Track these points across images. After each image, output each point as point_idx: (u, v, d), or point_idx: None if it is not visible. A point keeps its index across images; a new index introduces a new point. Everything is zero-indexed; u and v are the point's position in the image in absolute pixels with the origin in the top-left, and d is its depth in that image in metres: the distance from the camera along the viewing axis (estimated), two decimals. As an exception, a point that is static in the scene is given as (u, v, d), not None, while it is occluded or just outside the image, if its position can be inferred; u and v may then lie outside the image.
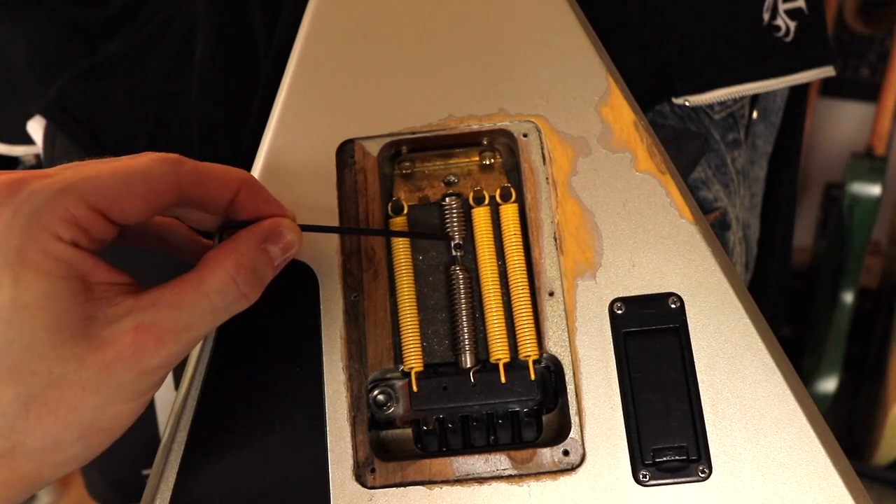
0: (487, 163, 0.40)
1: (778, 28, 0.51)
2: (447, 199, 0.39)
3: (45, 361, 0.26)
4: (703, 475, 0.34)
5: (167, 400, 0.53)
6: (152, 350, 0.28)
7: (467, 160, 0.40)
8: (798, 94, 0.63)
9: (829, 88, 1.37)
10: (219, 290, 0.29)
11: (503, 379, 0.35)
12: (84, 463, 0.29)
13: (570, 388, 0.35)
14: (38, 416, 0.27)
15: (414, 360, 0.36)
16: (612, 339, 0.35)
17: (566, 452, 0.34)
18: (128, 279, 0.29)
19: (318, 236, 0.37)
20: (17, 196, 0.27)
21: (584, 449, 0.34)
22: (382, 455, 0.35)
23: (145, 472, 0.50)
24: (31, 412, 0.27)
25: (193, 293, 0.29)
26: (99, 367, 0.27)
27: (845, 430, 1.33)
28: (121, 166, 0.29)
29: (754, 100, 0.57)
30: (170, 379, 0.53)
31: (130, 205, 0.28)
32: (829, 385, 1.20)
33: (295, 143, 0.39)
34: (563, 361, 0.35)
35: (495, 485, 0.34)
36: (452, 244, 0.38)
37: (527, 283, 0.37)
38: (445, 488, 0.34)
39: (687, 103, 0.48)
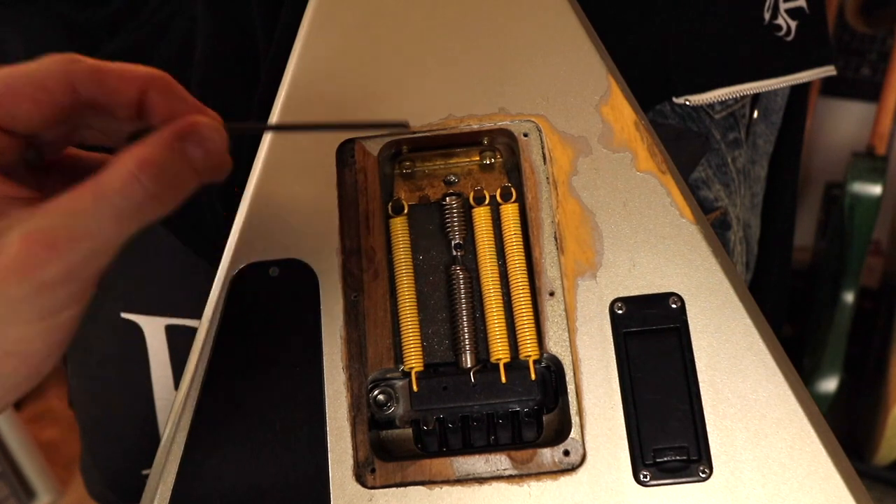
0: (488, 162, 0.40)
1: (779, 27, 0.51)
2: (447, 199, 0.39)
3: None
4: (703, 475, 0.34)
5: (167, 400, 0.54)
6: (44, 259, 0.24)
7: (468, 160, 0.40)
8: (799, 94, 0.63)
9: (829, 88, 1.37)
10: (120, 189, 0.25)
11: (503, 379, 0.35)
12: (9, 398, 0.26)
13: (571, 387, 0.35)
14: None
15: (414, 360, 0.36)
16: (612, 339, 0.35)
17: (566, 452, 0.34)
18: (28, 193, 0.26)
19: (319, 236, 0.37)
20: None
21: (584, 449, 0.34)
22: (382, 455, 0.35)
23: (145, 472, 0.50)
24: None
25: (91, 196, 0.25)
26: None
27: (846, 430, 1.33)
28: (6, 68, 0.26)
29: (755, 99, 0.57)
30: (170, 379, 0.53)
31: (16, 105, 0.26)
32: (829, 385, 1.20)
33: (295, 142, 0.39)
34: (563, 361, 0.35)
35: (495, 485, 0.34)
36: (453, 244, 0.38)
37: (527, 283, 0.36)
38: (445, 488, 0.34)
39: (688, 103, 0.48)
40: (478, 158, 0.40)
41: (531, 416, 0.36)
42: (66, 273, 0.25)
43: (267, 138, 0.39)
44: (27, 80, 0.26)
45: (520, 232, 0.37)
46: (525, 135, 0.39)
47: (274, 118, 0.39)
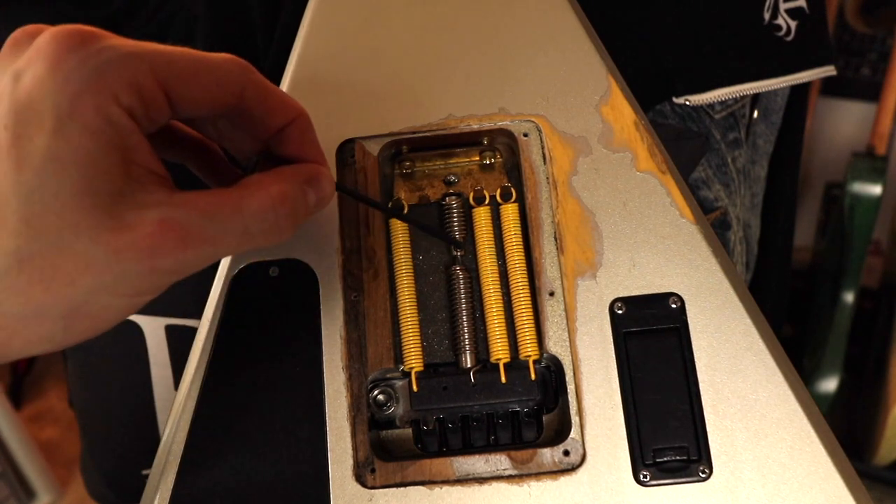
0: (488, 162, 0.40)
1: (779, 27, 0.51)
2: (447, 199, 0.39)
3: (58, 222, 0.24)
4: (703, 475, 0.34)
5: (167, 400, 0.54)
6: (170, 248, 0.26)
7: (467, 160, 0.40)
8: (799, 94, 0.63)
9: (829, 88, 1.37)
10: (257, 213, 0.28)
11: (503, 379, 0.35)
12: (57, 348, 0.27)
13: (571, 388, 0.35)
14: (30, 279, 0.25)
15: (414, 360, 0.36)
16: (612, 339, 0.35)
17: (566, 452, 0.34)
18: (166, 173, 0.27)
19: (319, 236, 0.37)
20: (87, 47, 0.25)
21: (584, 449, 0.34)
22: (382, 455, 0.35)
23: (145, 472, 0.50)
24: (23, 272, 0.25)
25: (230, 208, 0.27)
26: (111, 249, 0.25)
27: (846, 431, 1.33)
28: (195, 52, 0.27)
29: (755, 99, 0.57)
30: (170, 379, 0.53)
31: (196, 89, 0.27)
32: (829, 385, 1.20)
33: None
34: (563, 361, 0.35)
35: (495, 485, 0.34)
36: (453, 243, 0.38)
37: (527, 283, 0.36)
38: (445, 488, 0.34)
39: (688, 103, 0.48)
40: (478, 158, 0.40)
41: (531, 416, 0.36)
42: (178, 267, 0.26)
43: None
44: (212, 70, 0.27)
45: (520, 232, 0.37)
46: (525, 135, 0.39)
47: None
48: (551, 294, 0.36)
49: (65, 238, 0.25)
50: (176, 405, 0.36)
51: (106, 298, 0.26)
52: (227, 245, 0.28)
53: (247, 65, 0.29)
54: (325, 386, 0.35)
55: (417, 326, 0.36)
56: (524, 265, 0.37)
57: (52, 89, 0.25)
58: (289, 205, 0.29)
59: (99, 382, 0.57)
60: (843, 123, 1.42)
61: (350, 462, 0.34)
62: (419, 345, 0.36)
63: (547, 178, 0.38)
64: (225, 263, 0.37)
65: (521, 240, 0.37)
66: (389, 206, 0.39)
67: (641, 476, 0.34)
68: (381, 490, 0.34)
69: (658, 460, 0.34)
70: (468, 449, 0.36)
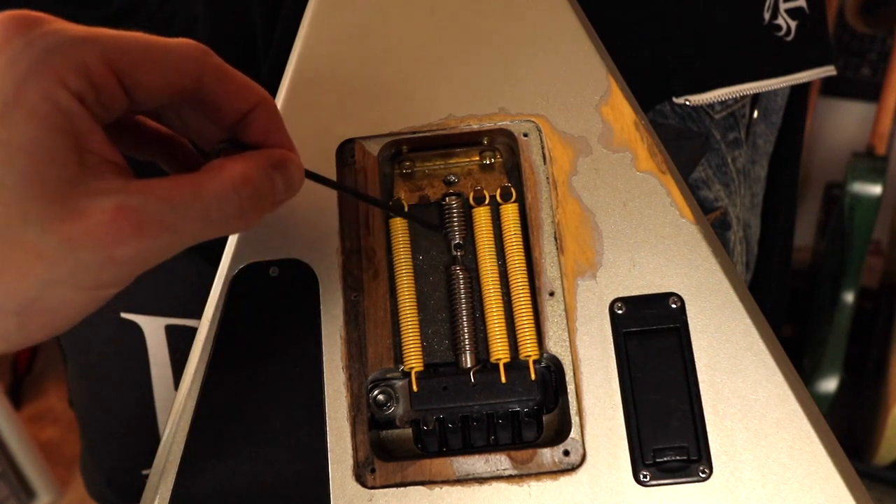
0: (488, 162, 0.40)
1: (779, 27, 0.51)
2: (447, 199, 0.39)
3: (6, 213, 0.23)
4: (703, 475, 0.34)
5: (167, 400, 0.54)
6: (127, 237, 0.24)
7: (467, 160, 0.40)
8: (799, 94, 0.63)
9: (829, 88, 1.37)
10: (218, 197, 0.26)
11: (503, 379, 0.35)
12: (14, 347, 0.26)
13: (571, 388, 0.35)
14: None
15: (414, 360, 0.36)
16: (612, 339, 0.35)
17: (566, 452, 0.34)
18: (123, 162, 0.26)
19: (319, 236, 0.37)
20: (33, 30, 0.24)
21: (584, 449, 0.34)
22: (382, 455, 0.35)
23: (145, 472, 0.50)
24: None
25: (189, 192, 0.26)
26: (63, 238, 0.24)
27: (846, 430, 1.33)
28: (150, 36, 0.27)
29: (755, 99, 0.57)
30: (170, 379, 0.53)
31: (148, 73, 0.26)
32: (829, 385, 1.20)
33: (295, 142, 0.39)
34: (563, 361, 0.35)
35: (495, 485, 0.34)
36: (453, 244, 0.38)
37: (527, 283, 0.36)
38: (445, 488, 0.34)
39: (688, 103, 0.48)
40: (478, 158, 0.40)
41: (531, 416, 0.36)
42: (138, 256, 0.25)
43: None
44: (163, 54, 0.27)
45: (520, 232, 0.37)
46: (525, 135, 0.39)
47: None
48: (551, 294, 0.36)
49: (13, 229, 0.24)
50: (176, 405, 0.36)
51: (63, 292, 0.25)
52: (189, 232, 0.26)
53: (205, 48, 0.28)
54: (325, 386, 0.35)
55: (417, 326, 0.36)
56: (524, 265, 0.37)
57: None
58: (251, 187, 0.27)
59: (99, 382, 0.57)
60: (843, 123, 1.42)
61: (350, 462, 0.34)
62: (419, 345, 0.36)
63: (547, 178, 0.38)
64: (225, 263, 0.37)
65: (521, 240, 0.37)
66: (389, 205, 0.39)
67: (641, 476, 0.34)
68: (381, 490, 0.34)
69: (658, 460, 0.34)
70: (468, 449, 0.36)
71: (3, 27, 0.24)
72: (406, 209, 0.39)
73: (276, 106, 0.31)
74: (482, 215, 0.38)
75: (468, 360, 0.36)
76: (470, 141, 0.39)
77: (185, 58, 0.27)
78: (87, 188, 0.24)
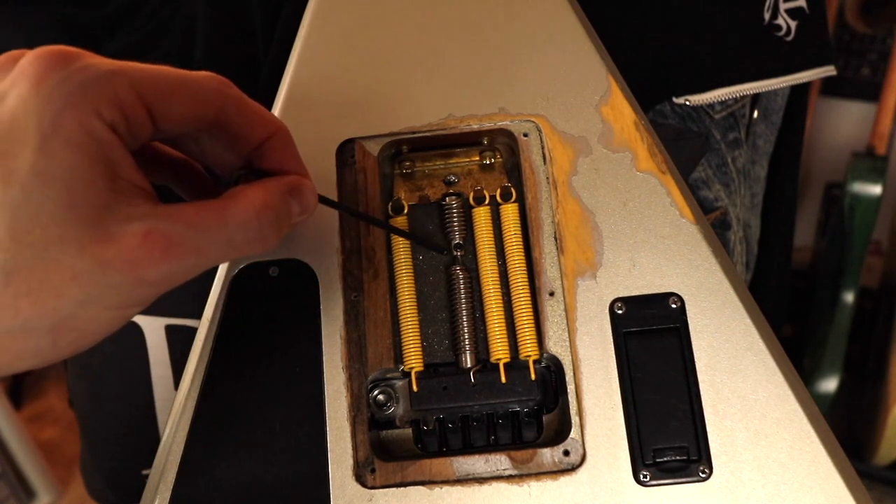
0: (488, 162, 0.40)
1: (779, 27, 0.51)
2: (447, 199, 0.39)
3: (44, 236, 0.25)
4: (703, 475, 0.34)
5: (167, 400, 0.54)
6: (156, 259, 0.26)
7: (467, 160, 0.40)
8: (799, 94, 0.63)
9: (829, 88, 1.37)
10: (240, 223, 0.28)
11: (503, 379, 0.35)
12: (45, 363, 0.28)
13: (571, 388, 0.35)
14: (16, 293, 0.25)
15: (414, 360, 0.36)
16: (612, 339, 0.35)
17: (566, 452, 0.34)
18: (150, 188, 0.28)
19: (319, 236, 0.37)
20: (69, 65, 0.26)
21: (584, 449, 0.34)
22: (382, 455, 0.35)
23: (145, 472, 0.50)
24: (10, 285, 0.25)
25: (214, 218, 0.28)
26: (96, 261, 0.25)
27: (846, 430, 1.33)
28: (173, 69, 0.28)
29: (755, 99, 0.57)
30: (170, 379, 0.53)
31: (176, 104, 0.28)
32: (829, 385, 1.20)
33: (295, 142, 0.39)
34: (563, 361, 0.35)
35: (495, 485, 0.34)
36: (453, 244, 0.38)
37: (527, 283, 0.36)
38: (445, 488, 0.34)
39: (688, 103, 0.48)
40: (478, 158, 0.40)
41: (531, 416, 0.36)
42: (165, 278, 0.27)
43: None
44: (188, 86, 0.28)
45: (520, 232, 0.37)
46: (525, 135, 0.39)
47: (274, 118, 0.39)
48: (551, 294, 0.36)
49: (51, 251, 0.25)
50: (176, 405, 0.36)
51: (93, 311, 0.27)
52: (213, 255, 0.28)
53: (226, 81, 0.30)
54: (325, 386, 0.35)
55: (417, 326, 0.36)
56: (524, 265, 0.37)
57: (35, 107, 0.25)
58: (271, 214, 0.29)
59: (99, 382, 0.57)
60: (843, 123, 1.42)
61: (350, 462, 0.34)
62: (419, 345, 0.36)
63: (547, 178, 0.38)
64: (225, 263, 0.37)
65: (521, 240, 0.37)
66: (389, 206, 0.39)
67: (641, 476, 0.34)
68: (381, 490, 0.34)
69: (658, 460, 0.34)
70: (468, 449, 0.36)
71: (40, 63, 0.26)
72: (407, 210, 0.39)
73: (290, 134, 0.32)
74: (482, 215, 0.38)
75: (468, 360, 0.36)
76: (470, 141, 0.39)
77: (208, 90, 0.29)
78: (120, 213, 0.26)
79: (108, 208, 0.26)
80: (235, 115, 0.30)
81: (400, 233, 0.38)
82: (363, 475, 0.34)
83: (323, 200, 0.34)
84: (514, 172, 0.39)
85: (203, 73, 0.29)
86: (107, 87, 0.26)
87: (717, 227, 0.53)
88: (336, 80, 0.40)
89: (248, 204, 0.29)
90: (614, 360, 0.35)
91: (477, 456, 0.35)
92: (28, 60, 0.26)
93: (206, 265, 0.28)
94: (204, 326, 0.36)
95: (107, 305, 0.27)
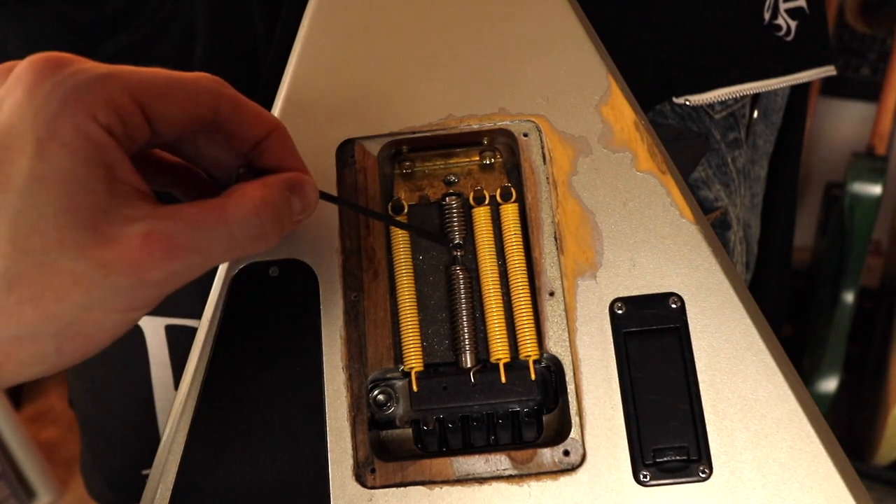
0: (488, 162, 0.40)
1: (779, 27, 0.51)
2: (447, 199, 0.39)
3: (44, 241, 0.25)
4: (703, 475, 0.34)
5: (167, 400, 0.54)
6: (158, 260, 0.26)
7: (467, 160, 0.40)
8: (799, 94, 0.63)
9: (829, 88, 1.37)
10: (241, 220, 0.28)
11: (503, 379, 0.35)
12: (50, 370, 0.27)
13: (571, 388, 0.35)
14: (19, 299, 0.25)
15: (414, 360, 0.36)
16: (612, 339, 0.35)
17: (566, 452, 0.34)
18: (149, 190, 0.28)
19: (319, 236, 0.37)
20: (62, 70, 0.26)
21: (584, 449, 0.34)
22: (382, 455, 0.35)
23: (145, 472, 0.50)
24: (12, 292, 0.25)
25: (214, 217, 0.28)
26: (97, 263, 0.25)
27: (846, 430, 1.33)
28: (167, 71, 0.28)
29: (755, 99, 0.57)
30: (170, 379, 0.53)
31: (171, 106, 0.28)
32: (829, 385, 1.20)
33: (295, 142, 0.39)
34: (563, 361, 0.35)
35: (495, 485, 0.34)
36: (453, 244, 0.38)
37: (527, 283, 0.36)
38: (445, 488, 0.34)
39: (688, 103, 0.48)
40: (478, 158, 0.40)
41: (531, 416, 0.36)
42: (167, 278, 0.27)
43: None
44: (182, 87, 0.28)
45: (520, 232, 0.37)
46: (525, 135, 0.39)
47: (274, 118, 0.39)
48: (551, 294, 0.36)
49: (51, 256, 0.25)
50: (176, 405, 0.36)
51: (97, 314, 0.26)
52: (215, 253, 0.28)
53: (220, 81, 0.30)
54: (325, 386, 0.35)
55: (417, 326, 0.36)
56: (524, 265, 0.37)
57: (30, 113, 0.25)
58: (272, 210, 0.29)
59: (99, 382, 0.57)
60: (843, 123, 1.42)
61: (350, 462, 0.34)
62: (419, 345, 0.36)
63: (547, 178, 0.38)
64: (225, 263, 0.37)
65: (521, 240, 0.37)
66: (389, 206, 0.39)
67: (641, 476, 0.34)
68: (381, 490, 0.34)
69: (658, 460, 0.34)
70: (468, 449, 0.36)
71: (34, 70, 0.26)
72: (407, 210, 0.39)
73: (287, 131, 0.32)
74: (482, 215, 0.38)
75: (468, 360, 0.36)
76: (470, 141, 0.39)
77: (202, 90, 0.29)
78: (119, 215, 0.26)
79: (107, 211, 0.26)
80: (231, 114, 0.30)
81: (402, 226, 0.38)
82: (363, 475, 0.34)
83: (324, 196, 0.34)
84: (514, 172, 0.39)
85: (198, 73, 0.29)
86: (101, 91, 0.26)
87: (717, 227, 0.53)
88: (336, 80, 0.40)
89: (248, 201, 0.28)
90: (614, 360, 0.35)
91: (477, 456, 0.35)
92: (22, 68, 0.26)
93: (209, 264, 0.28)
94: (204, 326, 0.36)
95: (111, 309, 0.27)
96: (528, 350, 0.36)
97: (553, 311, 0.36)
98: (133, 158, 0.28)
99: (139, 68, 0.28)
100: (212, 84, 0.29)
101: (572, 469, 0.34)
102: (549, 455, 0.34)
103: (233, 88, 0.30)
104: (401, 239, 0.38)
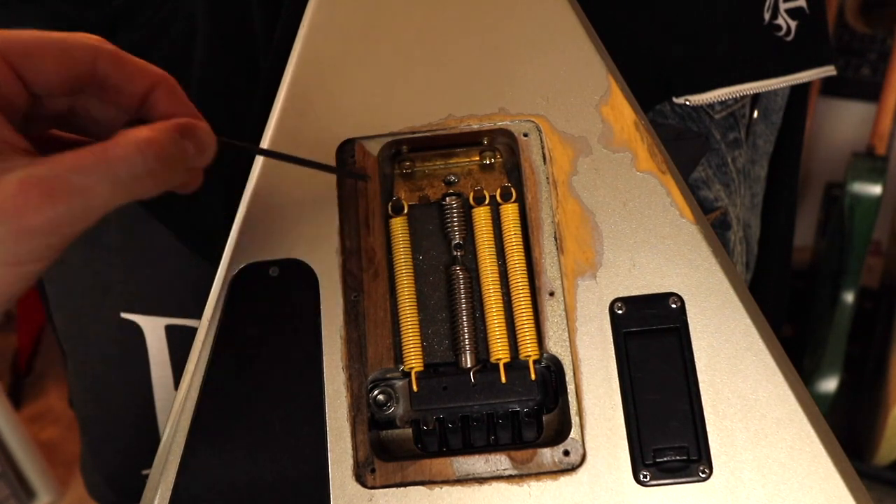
0: (488, 162, 0.40)
1: (779, 27, 0.51)
2: (447, 199, 0.39)
3: None
4: (703, 475, 0.34)
5: (167, 400, 0.54)
6: (36, 205, 0.25)
7: (467, 160, 0.40)
8: (799, 94, 0.63)
9: (829, 88, 1.37)
10: (123, 158, 0.27)
11: (503, 379, 0.35)
12: None
13: (571, 388, 0.35)
14: None
15: (414, 360, 0.36)
16: (612, 339, 0.35)
17: (566, 452, 0.34)
18: (30, 147, 0.28)
19: (319, 236, 0.37)
20: None
21: (584, 449, 0.34)
22: (382, 455, 0.35)
23: (145, 472, 0.50)
24: None
25: (94, 158, 0.27)
26: None
27: (846, 430, 1.33)
28: (40, 31, 0.28)
29: (755, 99, 0.57)
30: (170, 379, 0.53)
31: (45, 63, 0.28)
32: (829, 385, 1.20)
33: (295, 143, 0.39)
34: (563, 361, 0.35)
35: (495, 485, 0.34)
36: (453, 244, 0.38)
37: (527, 283, 0.36)
38: (445, 488, 0.34)
39: (688, 103, 0.48)
40: (478, 158, 0.40)
41: (531, 416, 0.36)
42: (52, 224, 0.26)
43: (267, 137, 0.39)
44: (57, 43, 0.28)
45: (520, 232, 0.37)
46: (525, 135, 0.39)
47: (274, 118, 0.39)
48: (551, 294, 0.36)
49: None
50: (176, 405, 0.36)
51: None
52: (99, 195, 0.27)
53: (98, 38, 0.30)
54: (325, 386, 0.35)
55: (417, 326, 0.36)
56: (524, 265, 0.37)
57: None
58: (156, 148, 0.28)
59: (99, 382, 0.57)
60: (843, 123, 1.42)
61: (350, 462, 0.34)
62: (419, 345, 0.36)
63: (547, 178, 0.38)
64: (225, 263, 0.37)
65: (521, 240, 0.37)
66: (389, 206, 0.39)
67: (641, 476, 0.34)
68: (381, 490, 0.34)
69: (658, 460, 0.34)
70: (468, 449, 0.36)
71: None
72: (407, 210, 0.39)
73: (176, 83, 0.32)
74: (482, 215, 0.38)
75: (468, 360, 0.36)
76: (470, 141, 0.39)
77: (77, 46, 0.29)
78: None
79: None
80: (111, 68, 0.30)
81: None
82: (363, 475, 0.34)
83: (228, 144, 0.33)
84: (514, 172, 0.39)
85: (76, 33, 0.29)
86: None
87: (717, 227, 0.53)
88: (336, 80, 0.40)
89: (130, 139, 0.28)
90: (614, 360, 0.35)
91: (477, 456, 0.35)
92: None
93: (98, 207, 0.27)
94: (204, 326, 0.36)
95: None
96: (528, 350, 0.36)
97: (553, 311, 0.36)
98: (32, 141, 0.28)
99: (9, 30, 0.28)
100: (88, 40, 0.29)
101: (572, 469, 0.34)
102: (549, 455, 0.34)
103: (112, 45, 0.30)
104: (401, 239, 0.38)
